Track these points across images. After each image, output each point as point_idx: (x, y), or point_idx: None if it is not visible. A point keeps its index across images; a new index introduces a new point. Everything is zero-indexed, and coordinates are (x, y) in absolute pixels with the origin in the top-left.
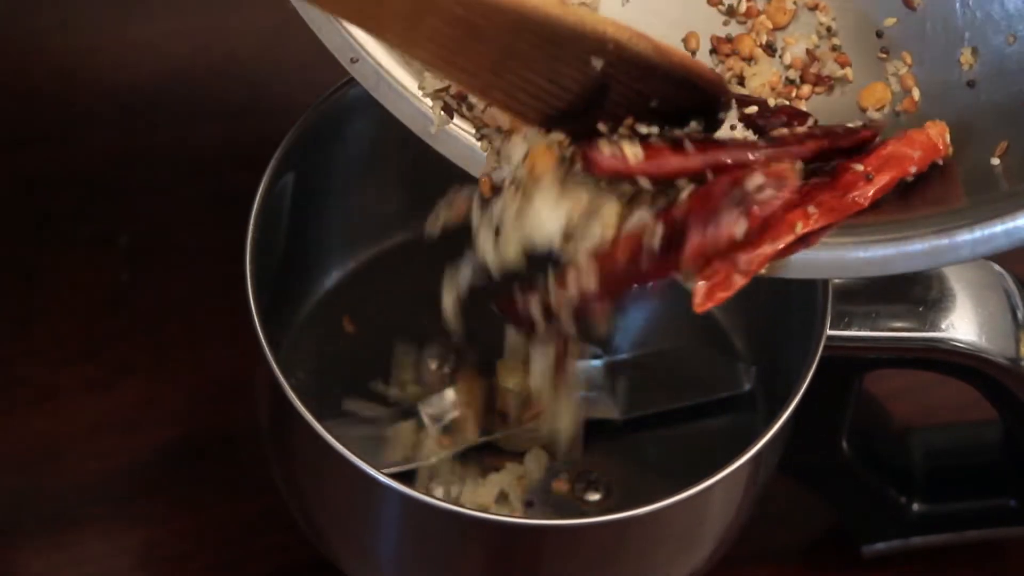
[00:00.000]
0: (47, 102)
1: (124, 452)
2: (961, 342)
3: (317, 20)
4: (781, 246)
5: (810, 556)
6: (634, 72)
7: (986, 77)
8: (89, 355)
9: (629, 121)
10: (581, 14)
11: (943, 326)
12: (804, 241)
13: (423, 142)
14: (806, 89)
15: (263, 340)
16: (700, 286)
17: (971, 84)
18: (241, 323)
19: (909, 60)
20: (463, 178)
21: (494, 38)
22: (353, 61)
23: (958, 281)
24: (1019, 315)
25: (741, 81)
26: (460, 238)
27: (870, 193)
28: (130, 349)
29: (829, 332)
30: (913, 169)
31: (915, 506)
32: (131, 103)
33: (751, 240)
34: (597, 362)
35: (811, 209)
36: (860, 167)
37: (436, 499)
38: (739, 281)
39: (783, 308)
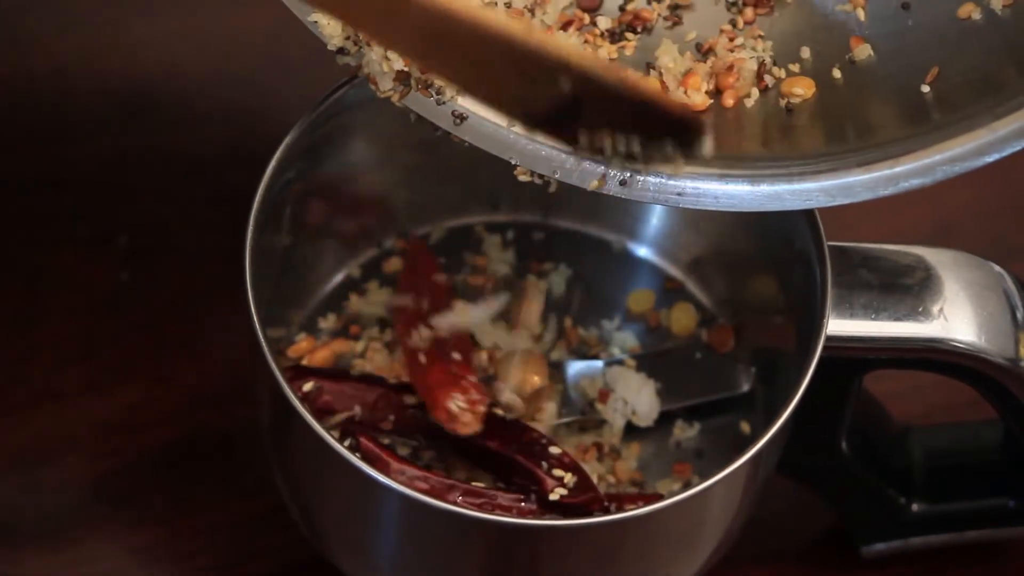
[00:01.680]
0: (47, 102)
1: (124, 452)
2: (961, 342)
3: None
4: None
5: (810, 556)
6: (603, 96)
7: None
8: (89, 355)
9: (609, 136)
10: (543, 40)
11: (942, 326)
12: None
13: (423, 141)
14: (749, 12)
15: (263, 340)
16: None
17: (906, 7)
18: (241, 323)
19: None
20: (463, 178)
21: (464, 47)
22: None
23: (957, 281)
24: (1018, 315)
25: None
26: (459, 240)
27: None
28: (130, 349)
29: (829, 332)
30: None
31: (914, 506)
32: (131, 103)
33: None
34: (598, 362)
35: None
36: None
37: (436, 500)
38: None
39: (782, 308)
